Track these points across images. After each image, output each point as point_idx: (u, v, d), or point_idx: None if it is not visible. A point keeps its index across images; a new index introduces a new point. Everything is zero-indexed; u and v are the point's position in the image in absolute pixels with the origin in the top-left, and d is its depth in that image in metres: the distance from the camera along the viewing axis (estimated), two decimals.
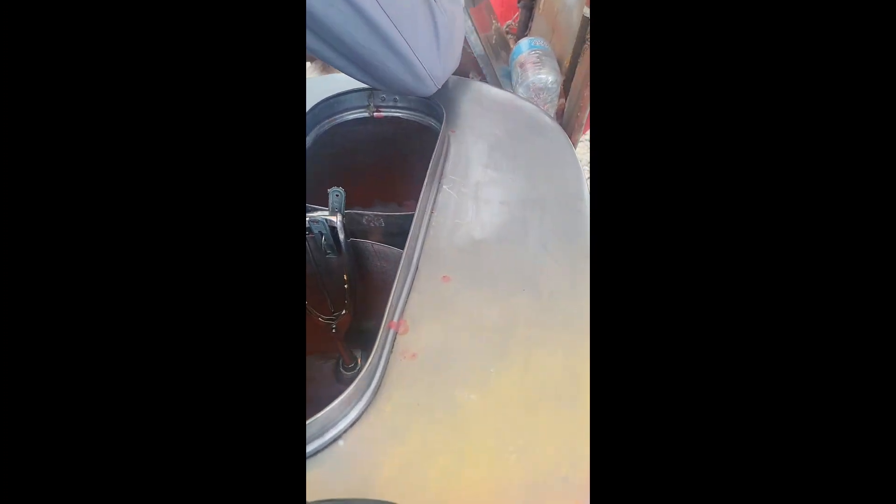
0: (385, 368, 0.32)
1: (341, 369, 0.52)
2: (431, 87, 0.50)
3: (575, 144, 0.74)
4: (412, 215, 0.46)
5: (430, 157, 0.62)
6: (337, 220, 0.41)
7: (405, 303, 0.36)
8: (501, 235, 0.41)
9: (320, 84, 0.64)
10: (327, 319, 0.47)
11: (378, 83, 0.49)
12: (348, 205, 0.43)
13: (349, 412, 0.29)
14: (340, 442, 0.29)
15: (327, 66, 0.90)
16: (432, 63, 0.47)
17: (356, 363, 0.51)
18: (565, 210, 0.44)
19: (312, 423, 0.28)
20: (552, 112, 0.82)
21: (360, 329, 0.51)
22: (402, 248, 0.45)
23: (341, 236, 0.42)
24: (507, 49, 0.95)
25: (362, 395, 0.30)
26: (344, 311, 0.46)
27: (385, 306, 0.49)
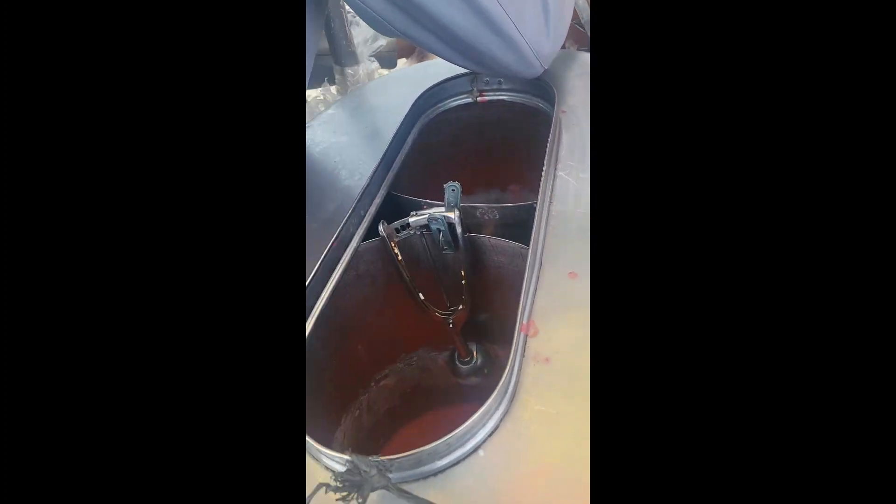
0: (518, 375, 0.31)
1: (457, 362, 0.51)
2: (538, 68, 0.47)
3: None
4: (527, 206, 0.44)
5: (537, 139, 0.60)
6: (455, 215, 0.40)
7: (532, 303, 0.34)
8: None
9: (420, 71, 0.63)
10: (444, 314, 0.46)
11: (481, 67, 0.47)
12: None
13: (487, 421, 0.29)
14: (480, 452, 0.28)
15: (423, 54, 0.89)
16: (540, 42, 0.44)
17: (472, 356, 0.51)
18: None
19: (454, 435, 0.27)
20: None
21: (475, 321, 0.50)
22: (518, 240, 0.43)
23: (459, 231, 0.41)
24: None
25: (499, 404, 0.29)
26: (461, 307, 0.45)
27: (501, 299, 0.48)
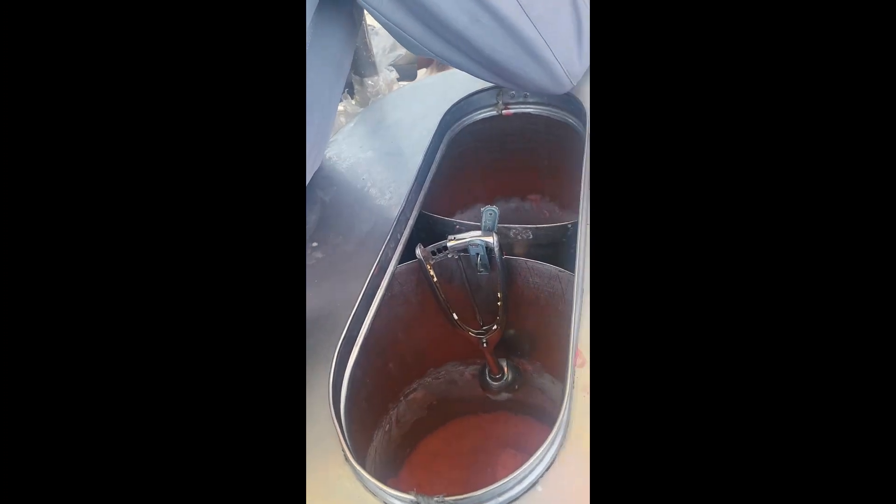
0: (571, 407, 0.31)
1: (488, 379, 0.52)
2: (567, 86, 0.47)
3: None
4: (561, 226, 0.44)
5: (558, 151, 0.59)
6: (493, 239, 0.40)
7: (578, 331, 0.35)
8: None
9: (441, 82, 0.63)
10: (478, 334, 0.47)
11: (512, 85, 0.47)
12: (473, 202, 0.42)
13: (545, 458, 0.29)
14: (539, 487, 0.28)
15: (442, 64, 0.89)
16: (571, 61, 0.44)
17: (503, 373, 0.51)
18: None
19: (510, 479, 0.27)
20: None
21: (505, 337, 0.50)
22: (550, 260, 0.43)
23: (497, 254, 0.41)
24: None
25: (554, 441, 0.29)
26: (496, 327, 0.46)
27: (534, 317, 0.48)
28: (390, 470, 0.59)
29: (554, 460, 0.29)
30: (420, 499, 0.25)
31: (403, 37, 0.41)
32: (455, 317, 0.45)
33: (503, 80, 0.46)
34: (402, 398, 0.55)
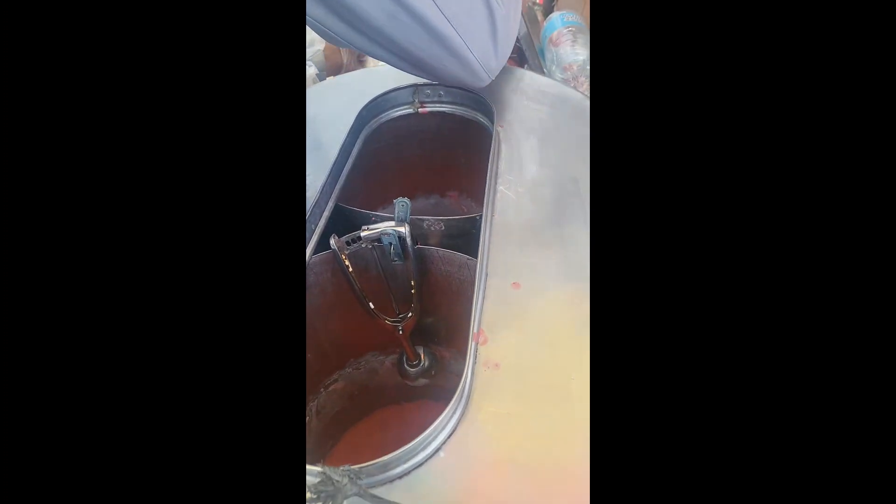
0: (472, 380, 0.34)
1: (406, 366, 0.54)
2: (486, 80, 0.50)
3: None
4: (470, 218, 0.47)
5: (473, 149, 0.63)
6: (405, 229, 0.42)
7: (481, 312, 0.37)
8: (564, 235, 0.42)
9: (357, 80, 0.64)
10: (394, 322, 0.48)
11: (431, 78, 0.49)
12: (391, 198, 0.44)
13: (446, 425, 0.31)
14: (441, 453, 0.31)
15: (361, 55, 0.89)
16: (487, 57, 0.47)
17: (419, 359, 0.53)
18: None
19: (413, 444, 0.30)
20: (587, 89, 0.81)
21: (422, 326, 0.52)
22: (462, 250, 0.46)
23: (409, 244, 0.43)
24: (537, 25, 0.93)
25: (455, 410, 0.32)
26: (410, 314, 0.48)
27: (447, 305, 0.50)
28: (314, 462, 0.59)
29: (455, 429, 0.32)
30: (327, 469, 0.27)
31: (326, 33, 0.42)
32: (371, 306, 0.47)
33: (425, 74, 0.48)
34: (322, 389, 0.56)
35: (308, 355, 0.50)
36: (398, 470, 0.30)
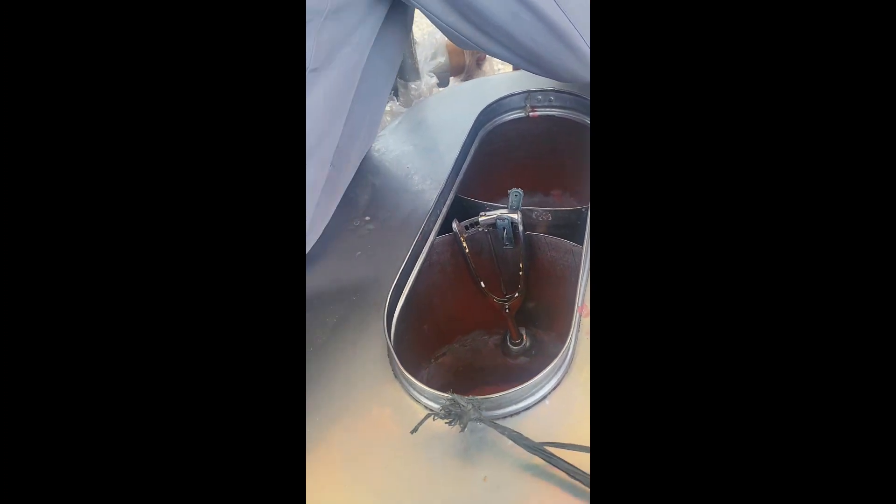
0: (575, 345, 0.39)
1: (508, 344, 0.59)
2: None
3: None
4: (576, 210, 0.52)
5: (580, 150, 0.67)
6: (517, 216, 0.48)
7: (585, 289, 0.42)
8: None
9: (475, 88, 0.71)
10: (501, 301, 0.54)
11: (546, 73, 0.52)
12: (502, 193, 0.50)
13: (552, 379, 0.36)
14: (547, 401, 0.36)
15: (470, 72, 0.97)
16: None
17: (522, 339, 0.59)
18: None
19: (525, 386, 0.35)
20: None
21: (525, 309, 0.58)
22: (568, 238, 0.51)
23: (521, 230, 0.49)
24: None
25: (560, 367, 0.37)
26: (517, 294, 0.53)
27: (551, 289, 0.55)
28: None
29: (559, 384, 0.37)
30: (455, 396, 0.33)
31: (454, 35, 0.48)
32: (483, 285, 0.53)
33: (541, 70, 0.53)
34: (432, 360, 0.63)
35: (424, 326, 0.57)
36: (510, 409, 0.35)
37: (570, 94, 0.62)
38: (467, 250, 0.51)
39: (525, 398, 0.36)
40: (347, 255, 0.50)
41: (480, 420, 0.33)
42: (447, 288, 0.55)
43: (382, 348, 0.42)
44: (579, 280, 0.42)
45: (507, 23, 0.46)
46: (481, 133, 0.64)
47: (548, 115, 0.65)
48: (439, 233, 0.52)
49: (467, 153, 0.60)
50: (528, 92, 0.64)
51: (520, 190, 0.48)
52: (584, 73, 0.52)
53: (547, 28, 0.46)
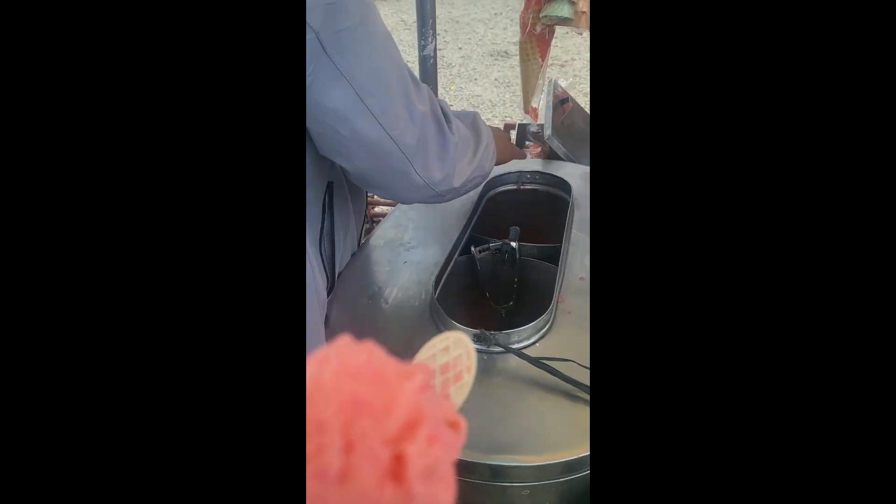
0: (555, 316, 0.61)
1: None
2: (433, 192, 0.56)
3: None
4: (555, 245, 0.77)
5: (555, 213, 0.93)
6: (515, 245, 0.72)
7: (561, 288, 0.66)
8: None
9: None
10: (499, 307, 0.77)
11: (381, 194, 0.62)
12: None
13: (541, 332, 0.59)
14: (538, 344, 0.58)
15: None
16: (431, 172, 0.53)
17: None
18: None
19: (524, 329, 0.57)
20: None
21: (510, 317, 0.80)
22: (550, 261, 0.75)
23: (516, 256, 0.73)
24: None
25: (546, 324, 0.60)
26: (511, 303, 0.76)
27: (536, 297, 0.79)
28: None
29: (545, 335, 0.59)
30: (482, 331, 0.55)
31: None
32: (487, 294, 0.76)
33: (376, 190, 0.58)
34: None
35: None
36: (519, 346, 0.57)
37: (548, 174, 0.90)
38: (479, 267, 0.74)
39: (522, 341, 0.58)
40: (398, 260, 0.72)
41: (499, 344, 0.54)
42: (460, 296, 0.78)
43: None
44: (556, 282, 0.66)
45: (328, 136, 0.46)
46: (486, 196, 0.90)
47: (532, 189, 0.92)
48: (461, 254, 0.75)
49: (478, 208, 0.86)
50: (520, 172, 0.91)
51: (517, 228, 0.73)
52: (415, 193, 0.53)
53: (367, 148, 0.47)
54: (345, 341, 0.20)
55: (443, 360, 0.26)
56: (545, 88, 1.16)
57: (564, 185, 0.88)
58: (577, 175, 0.92)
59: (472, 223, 0.82)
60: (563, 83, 1.19)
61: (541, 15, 0.73)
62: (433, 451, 0.18)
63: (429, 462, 0.18)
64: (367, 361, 0.19)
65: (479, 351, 0.55)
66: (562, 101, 1.16)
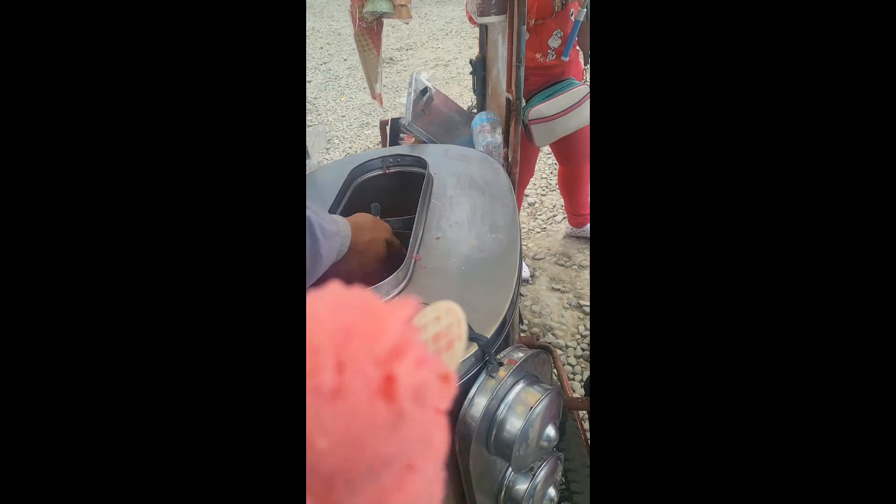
0: (413, 271, 0.68)
1: None
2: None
3: (513, 172, 1.13)
4: (411, 217, 0.84)
5: (419, 189, 1.01)
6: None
7: (419, 248, 0.73)
8: (461, 219, 0.79)
9: (351, 161, 1.04)
10: None
11: None
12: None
13: (399, 286, 0.65)
14: (396, 298, 0.64)
15: None
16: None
17: None
18: (496, 200, 0.82)
19: (383, 283, 0.64)
20: (500, 156, 1.22)
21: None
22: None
23: None
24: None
25: (404, 279, 0.66)
26: None
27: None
28: None
29: (404, 288, 0.65)
30: None
31: None
32: None
33: None
34: None
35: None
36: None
37: (408, 155, 0.97)
38: None
39: (390, 292, 0.64)
40: None
41: None
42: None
43: None
44: (410, 246, 0.73)
45: None
46: (353, 185, 0.96)
47: (399, 171, 0.99)
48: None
49: (344, 195, 0.92)
50: (383, 157, 0.98)
51: (377, 204, 0.79)
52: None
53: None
54: (336, 284, 0.21)
55: (434, 330, 0.26)
56: (409, 81, 1.24)
57: (422, 162, 0.96)
58: (437, 153, 1.00)
59: (340, 208, 0.88)
60: (423, 76, 1.28)
61: (364, 11, 0.79)
62: (421, 373, 0.19)
63: (418, 383, 0.19)
64: (357, 296, 0.21)
65: None
66: (422, 93, 1.25)
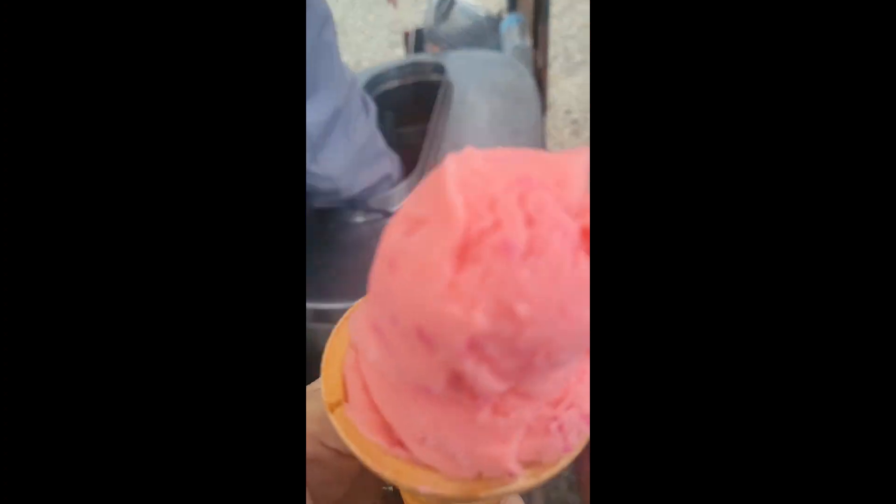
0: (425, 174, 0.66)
1: None
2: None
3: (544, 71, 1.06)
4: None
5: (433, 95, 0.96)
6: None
7: (436, 157, 0.70)
8: (479, 126, 0.75)
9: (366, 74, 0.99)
10: None
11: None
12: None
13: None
14: None
15: None
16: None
17: None
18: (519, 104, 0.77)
19: (398, 189, 0.62)
20: (529, 62, 1.14)
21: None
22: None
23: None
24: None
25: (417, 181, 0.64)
26: None
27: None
28: None
29: None
30: None
31: None
32: None
33: None
34: None
35: None
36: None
37: (427, 62, 0.92)
38: None
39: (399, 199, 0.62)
40: None
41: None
42: None
43: None
44: (425, 150, 0.70)
45: None
46: (374, 92, 0.92)
47: (415, 82, 0.94)
48: None
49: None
50: (400, 66, 0.92)
51: (391, 112, 0.76)
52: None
53: None
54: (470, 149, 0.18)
55: None
56: None
57: (440, 68, 0.90)
58: (457, 59, 0.94)
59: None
60: None
61: None
62: None
63: None
64: (515, 151, 0.17)
65: None
66: (450, 4, 1.17)
